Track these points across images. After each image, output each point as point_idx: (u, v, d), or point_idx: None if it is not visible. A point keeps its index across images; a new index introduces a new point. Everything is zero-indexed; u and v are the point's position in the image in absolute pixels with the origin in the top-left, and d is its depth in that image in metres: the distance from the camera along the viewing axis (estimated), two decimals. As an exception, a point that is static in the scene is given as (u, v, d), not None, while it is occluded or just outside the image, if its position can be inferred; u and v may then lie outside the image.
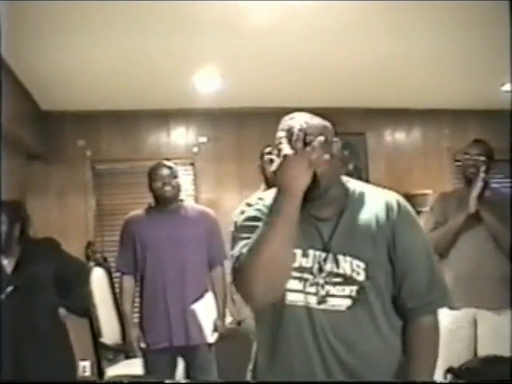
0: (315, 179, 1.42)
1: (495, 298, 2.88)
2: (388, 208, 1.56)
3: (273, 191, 1.44)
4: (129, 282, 3.19)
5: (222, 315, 3.20)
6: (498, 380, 1.76)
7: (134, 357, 3.34)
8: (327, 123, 1.60)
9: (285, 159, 1.36)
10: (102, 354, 3.68)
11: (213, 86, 4.54)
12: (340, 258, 1.48)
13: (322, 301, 1.46)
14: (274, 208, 1.37)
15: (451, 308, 2.96)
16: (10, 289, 2.77)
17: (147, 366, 3.12)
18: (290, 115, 1.59)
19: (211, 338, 3.11)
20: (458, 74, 4.51)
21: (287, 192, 1.35)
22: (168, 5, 3.01)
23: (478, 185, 2.97)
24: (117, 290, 3.89)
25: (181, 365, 3.23)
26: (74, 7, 2.95)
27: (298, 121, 1.52)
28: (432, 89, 4.92)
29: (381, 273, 1.49)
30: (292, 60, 4.05)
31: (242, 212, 1.56)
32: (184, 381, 3.20)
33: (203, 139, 5.35)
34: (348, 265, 1.47)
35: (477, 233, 2.96)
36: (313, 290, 1.47)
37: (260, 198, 1.57)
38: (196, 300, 3.08)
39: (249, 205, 1.57)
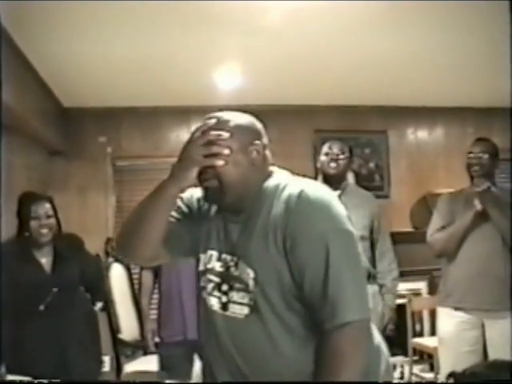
0: (222, 189, 1.40)
1: (502, 298, 2.81)
2: (291, 206, 1.35)
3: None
4: (148, 277, 3.21)
5: None
6: (499, 380, 1.71)
7: (153, 353, 3.35)
8: (254, 126, 1.53)
9: (193, 136, 1.41)
10: (121, 350, 3.69)
11: (233, 83, 4.53)
12: (240, 263, 1.40)
13: (223, 307, 1.44)
14: (159, 184, 1.47)
15: (458, 309, 2.91)
16: (55, 290, 2.75)
17: (164, 361, 3.13)
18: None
19: None
20: (482, 72, 4.43)
21: (170, 176, 1.44)
22: (189, 2, 3.00)
23: (482, 183, 2.93)
24: (136, 287, 3.91)
25: (198, 363, 3.22)
26: (97, 4, 2.95)
27: (215, 117, 1.46)
28: (455, 86, 4.84)
29: (271, 283, 1.35)
30: (313, 58, 4.02)
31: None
32: (194, 380, 3.19)
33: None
34: (244, 272, 1.39)
35: (484, 231, 2.91)
36: (218, 294, 1.46)
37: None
38: None
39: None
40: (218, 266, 1.46)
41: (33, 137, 4.31)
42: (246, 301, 1.39)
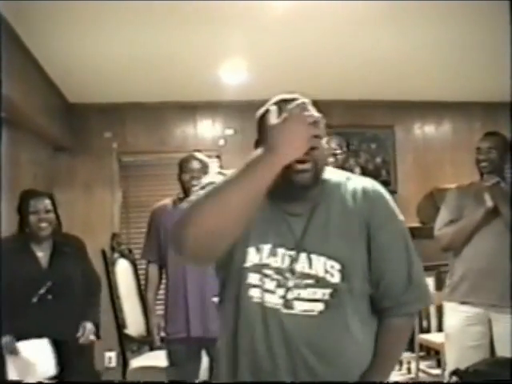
0: (316, 173, 1.35)
1: (509, 294, 2.78)
2: (362, 199, 1.41)
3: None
4: (154, 271, 3.21)
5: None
6: (500, 380, 1.69)
7: (159, 349, 3.35)
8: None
9: (295, 118, 1.21)
10: (127, 345, 3.69)
11: (239, 79, 4.51)
12: (313, 257, 1.36)
13: (289, 305, 1.34)
14: (251, 162, 1.22)
15: (464, 303, 2.89)
16: (49, 283, 2.78)
17: (171, 357, 3.12)
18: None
19: None
20: (490, 67, 4.40)
21: (275, 151, 1.19)
22: (194, -2, 2.99)
23: (491, 178, 2.90)
24: (141, 282, 3.91)
25: (205, 359, 3.22)
26: (102, 1, 2.95)
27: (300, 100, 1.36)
28: (462, 81, 4.81)
29: (357, 274, 1.37)
30: (318, 53, 4.00)
31: None
32: (201, 377, 3.20)
33: (230, 132, 5.33)
34: (321, 265, 1.35)
35: (493, 227, 2.88)
36: (281, 292, 1.35)
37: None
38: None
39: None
40: (276, 262, 1.37)
41: (38, 133, 4.31)
42: (319, 296, 1.35)
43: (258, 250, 1.38)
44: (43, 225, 2.84)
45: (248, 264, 1.37)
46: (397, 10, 3.31)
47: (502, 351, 2.78)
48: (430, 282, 5.21)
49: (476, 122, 5.64)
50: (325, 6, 3.19)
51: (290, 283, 1.35)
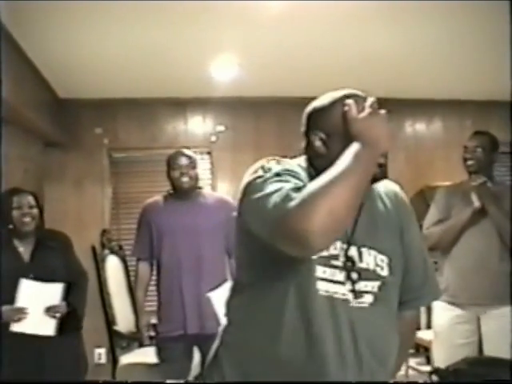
0: (384, 169, 1.40)
1: (498, 294, 2.80)
2: (395, 200, 1.53)
3: (288, 161, 1.38)
4: (144, 269, 3.19)
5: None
6: (498, 380, 1.70)
7: (148, 345, 3.34)
8: None
9: (379, 113, 1.32)
10: (116, 341, 3.69)
11: (230, 75, 4.50)
12: (364, 250, 1.39)
13: (358, 296, 1.36)
14: (352, 156, 1.23)
15: (452, 303, 2.90)
16: (31, 276, 2.78)
17: (162, 354, 3.11)
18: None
19: None
20: (481, 64, 4.41)
21: (375, 145, 1.26)
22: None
23: (478, 178, 2.91)
24: (132, 279, 3.90)
25: (197, 355, 3.22)
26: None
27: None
28: (454, 79, 4.82)
29: (399, 268, 1.45)
30: (310, 50, 4.00)
31: (256, 171, 1.39)
32: (193, 374, 3.19)
33: (221, 128, 5.32)
34: (372, 259, 1.40)
35: (481, 227, 2.89)
36: (348, 285, 1.36)
37: (278, 162, 1.40)
38: (213, 289, 3.06)
39: (264, 168, 1.37)
40: (340, 255, 1.37)
41: (29, 128, 4.28)
42: (369, 289, 1.38)
43: None
44: (26, 219, 2.86)
45: (315, 256, 1.33)
46: (389, 9, 3.31)
47: (490, 350, 2.80)
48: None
49: (467, 120, 5.65)
50: (318, 3, 3.18)
51: (354, 275, 1.37)
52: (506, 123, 4.33)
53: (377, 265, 1.40)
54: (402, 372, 4.44)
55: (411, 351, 4.47)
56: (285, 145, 4.94)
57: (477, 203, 2.86)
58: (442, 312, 2.98)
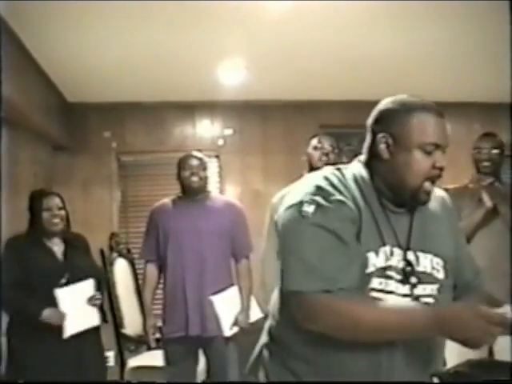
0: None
1: (508, 294, 2.78)
2: (445, 203, 1.56)
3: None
4: (151, 271, 3.20)
5: (246, 310, 3.17)
6: (498, 380, 1.69)
7: (156, 348, 3.35)
8: None
9: (481, 318, 1.23)
10: (124, 344, 3.69)
11: (237, 78, 4.51)
12: (420, 255, 1.39)
13: (416, 299, 1.36)
14: (419, 320, 1.25)
15: None
16: (67, 274, 2.89)
17: (168, 357, 3.12)
18: None
19: (228, 331, 3.08)
20: (489, 67, 4.39)
21: (443, 331, 1.28)
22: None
23: (488, 179, 2.89)
24: (140, 282, 3.91)
25: (202, 359, 3.22)
26: (99, 1, 2.95)
27: None
28: (461, 82, 4.81)
29: (453, 270, 1.45)
30: (317, 53, 4.00)
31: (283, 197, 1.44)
32: (199, 377, 3.20)
33: (229, 131, 5.33)
34: (428, 262, 1.39)
35: (493, 227, 2.87)
36: (406, 290, 1.35)
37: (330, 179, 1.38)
38: (217, 292, 3.06)
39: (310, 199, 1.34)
40: (394, 262, 1.36)
41: (37, 132, 4.31)
42: (428, 292, 1.38)
43: (378, 253, 1.34)
44: (56, 220, 2.95)
45: (370, 269, 1.32)
46: (395, 11, 3.31)
47: (500, 352, 2.78)
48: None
49: (475, 123, 5.63)
50: (323, 6, 3.19)
51: (413, 280, 1.36)
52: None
53: (433, 268, 1.40)
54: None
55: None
56: (292, 148, 4.95)
57: (489, 203, 2.84)
58: None
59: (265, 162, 5.16)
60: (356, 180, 1.41)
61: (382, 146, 1.39)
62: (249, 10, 3.23)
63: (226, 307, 3.08)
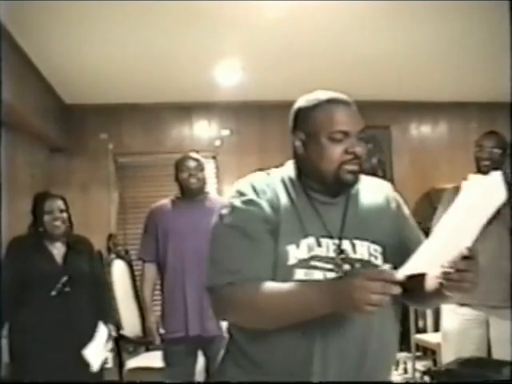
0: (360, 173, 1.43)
1: (509, 295, 2.77)
2: (384, 191, 1.58)
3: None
4: (150, 270, 3.21)
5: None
6: (498, 380, 1.70)
7: (154, 349, 3.35)
8: None
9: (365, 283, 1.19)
10: (123, 346, 3.69)
11: (234, 79, 4.52)
12: (357, 243, 1.42)
13: None
14: (314, 298, 1.25)
15: (462, 305, 2.87)
16: (65, 278, 2.87)
17: (167, 357, 3.12)
18: None
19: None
20: (486, 67, 4.41)
21: (338, 307, 1.24)
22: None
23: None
24: (138, 283, 3.91)
25: (201, 359, 3.22)
26: (98, 1, 2.95)
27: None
28: (458, 81, 4.82)
29: (395, 255, 1.43)
30: (314, 53, 4.01)
31: (242, 194, 1.45)
32: (198, 377, 3.20)
33: (226, 132, 5.33)
34: (365, 249, 1.42)
35: (493, 228, 2.84)
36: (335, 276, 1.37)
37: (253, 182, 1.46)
38: None
39: (254, 189, 1.44)
40: (322, 251, 1.38)
41: (35, 134, 4.31)
42: None
43: (298, 245, 1.38)
44: (57, 223, 2.95)
45: (292, 261, 1.36)
46: (393, 10, 3.32)
47: (499, 353, 2.78)
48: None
49: (472, 122, 5.65)
50: (320, 6, 3.19)
51: (345, 267, 1.38)
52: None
53: (371, 255, 1.42)
54: (409, 375, 4.43)
55: (418, 354, 4.45)
56: (289, 148, 4.95)
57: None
58: (452, 315, 2.94)
59: (262, 162, 5.12)
60: (283, 180, 1.48)
61: (297, 143, 1.46)
62: (245, 11, 3.24)
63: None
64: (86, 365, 2.88)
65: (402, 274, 1.24)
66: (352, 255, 1.40)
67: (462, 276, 1.30)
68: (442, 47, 3.98)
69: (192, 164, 3.17)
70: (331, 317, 1.29)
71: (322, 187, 1.44)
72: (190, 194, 3.16)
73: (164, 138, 5.26)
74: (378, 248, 1.44)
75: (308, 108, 1.47)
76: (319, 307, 1.25)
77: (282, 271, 1.36)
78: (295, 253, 1.37)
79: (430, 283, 1.41)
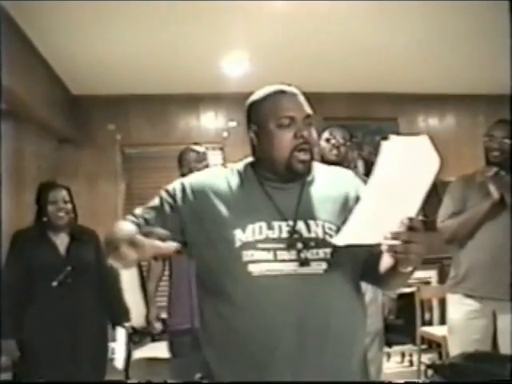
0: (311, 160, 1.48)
1: (509, 289, 2.75)
2: (338, 175, 1.62)
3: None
4: (157, 265, 3.21)
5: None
6: (498, 380, 1.70)
7: (161, 340, 3.36)
8: None
9: None
10: (129, 336, 3.70)
11: (241, 71, 4.51)
12: (311, 222, 1.46)
13: (304, 263, 1.41)
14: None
15: (469, 296, 2.86)
16: (68, 269, 2.86)
17: (173, 348, 3.14)
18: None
19: None
20: (494, 60, 4.38)
21: None
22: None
23: (491, 169, 2.83)
24: (144, 274, 3.93)
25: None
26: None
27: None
28: (466, 74, 4.79)
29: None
30: (321, 45, 3.99)
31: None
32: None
33: (233, 124, 5.32)
34: (320, 229, 1.46)
35: (499, 220, 2.81)
36: (290, 256, 1.41)
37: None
38: None
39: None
40: (271, 234, 1.44)
41: (42, 125, 4.32)
42: (321, 256, 1.43)
43: (244, 230, 1.44)
44: (61, 214, 2.94)
45: (237, 244, 1.43)
46: (401, 5, 3.30)
47: (504, 345, 2.77)
48: (433, 274, 5.21)
49: (480, 115, 5.62)
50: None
51: (300, 245, 1.42)
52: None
53: (325, 233, 1.45)
54: (414, 368, 4.44)
55: (424, 347, 4.45)
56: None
57: (495, 194, 2.79)
58: (458, 306, 2.93)
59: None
60: (238, 171, 1.57)
61: (251, 135, 1.55)
62: (252, 3, 3.23)
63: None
64: (88, 359, 2.89)
65: (338, 241, 1.30)
66: (306, 235, 1.44)
67: (406, 248, 1.26)
68: (449, 39, 3.96)
69: (192, 157, 3.17)
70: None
71: (274, 176, 1.51)
72: None
73: (171, 130, 5.26)
74: (333, 227, 1.46)
75: (258, 101, 1.56)
76: None
77: (230, 254, 1.43)
78: (241, 236, 1.43)
79: (386, 261, 1.40)
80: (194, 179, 1.57)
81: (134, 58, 4.11)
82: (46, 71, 4.11)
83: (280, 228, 1.45)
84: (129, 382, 3.67)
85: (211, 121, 5.37)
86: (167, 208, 1.53)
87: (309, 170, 1.51)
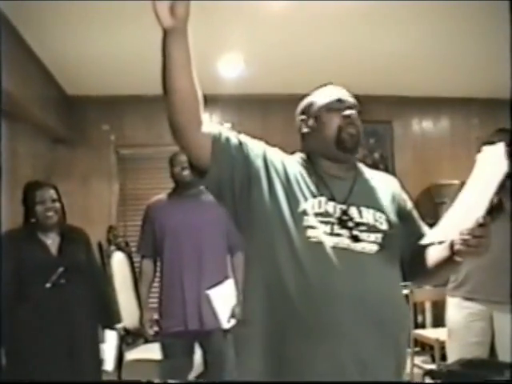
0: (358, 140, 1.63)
1: (509, 292, 2.76)
2: (382, 176, 1.77)
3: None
4: (148, 266, 3.21)
5: (242, 302, 3.17)
6: (498, 380, 1.70)
7: (153, 341, 3.36)
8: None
9: None
10: (122, 337, 3.69)
11: (236, 72, 4.51)
12: (363, 209, 1.57)
13: (358, 239, 1.50)
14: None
15: (469, 299, 2.88)
16: (60, 269, 2.81)
17: (165, 350, 3.13)
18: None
19: (227, 324, 3.09)
20: (488, 62, 4.40)
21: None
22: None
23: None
24: (137, 275, 3.92)
25: (198, 352, 3.23)
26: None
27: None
28: (461, 77, 4.81)
29: (398, 227, 1.61)
30: (317, 47, 4.00)
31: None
32: (195, 370, 3.21)
33: (227, 125, 5.32)
34: (371, 215, 1.57)
35: (498, 224, 2.83)
36: (344, 232, 1.51)
37: None
38: (214, 285, 3.07)
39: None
40: (330, 208, 1.54)
41: (36, 125, 4.31)
42: (373, 239, 1.53)
43: (307, 200, 1.54)
44: (50, 214, 2.87)
45: (301, 209, 1.52)
46: (396, 7, 3.31)
47: (502, 348, 2.78)
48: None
49: (474, 118, 5.64)
50: (323, 1, 3.19)
51: (350, 224, 1.53)
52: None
53: (376, 220, 1.57)
54: (407, 370, 4.44)
55: (417, 349, 4.46)
56: (291, 141, 4.95)
57: (494, 199, 2.81)
58: (457, 309, 2.95)
59: (264, 156, 5.16)
60: (297, 161, 1.69)
61: (302, 125, 1.71)
62: (248, 4, 3.23)
63: (223, 300, 3.09)
64: (82, 360, 2.84)
65: (428, 240, 1.48)
66: (358, 219, 1.55)
67: (478, 241, 1.43)
68: (444, 43, 3.97)
69: (184, 157, 3.15)
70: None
71: (327, 161, 1.63)
72: (185, 187, 3.14)
73: (166, 131, 5.10)
74: (383, 215, 1.59)
75: (311, 96, 1.74)
76: None
77: (292, 216, 1.51)
78: (304, 205, 1.53)
79: (439, 254, 1.55)
80: (271, 149, 1.69)
81: (128, 58, 4.11)
82: (40, 71, 4.10)
83: (335, 208, 1.55)
84: (129, 382, 3.66)
85: (206, 122, 5.35)
86: (245, 148, 1.65)
87: (356, 146, 1.62)
